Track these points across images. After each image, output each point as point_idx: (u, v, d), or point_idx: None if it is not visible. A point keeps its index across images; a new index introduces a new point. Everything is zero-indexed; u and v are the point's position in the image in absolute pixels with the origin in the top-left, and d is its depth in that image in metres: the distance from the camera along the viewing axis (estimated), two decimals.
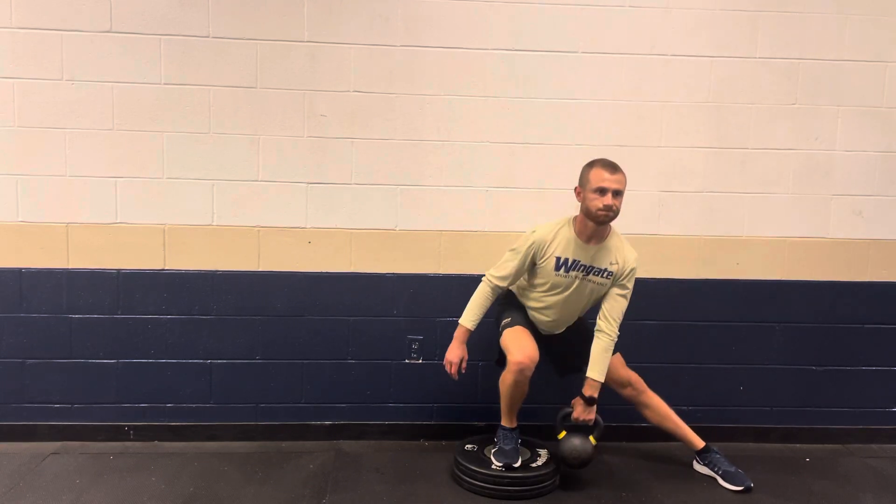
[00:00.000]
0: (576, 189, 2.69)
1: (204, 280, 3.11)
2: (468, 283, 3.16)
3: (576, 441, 2.75)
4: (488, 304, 2.80)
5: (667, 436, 3.26)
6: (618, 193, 2.57)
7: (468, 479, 2.75)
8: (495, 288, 2.78)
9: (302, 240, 3.11)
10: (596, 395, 2.73)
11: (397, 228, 3.12)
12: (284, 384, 3.17)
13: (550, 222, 2.74)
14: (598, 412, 2.77)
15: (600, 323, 2.73)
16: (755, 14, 3.10)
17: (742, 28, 3.11)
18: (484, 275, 2.81)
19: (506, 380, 2.76)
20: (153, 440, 3.15)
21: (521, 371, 2.69)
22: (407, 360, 3.21)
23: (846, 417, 3.32)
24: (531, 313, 2.87)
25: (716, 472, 2.89)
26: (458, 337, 2.79)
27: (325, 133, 3.07)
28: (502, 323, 2.85)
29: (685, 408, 3.28)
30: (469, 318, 2.78)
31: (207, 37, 3.00)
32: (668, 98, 3.12)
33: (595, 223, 2.62)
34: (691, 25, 3.10)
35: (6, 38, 2.94)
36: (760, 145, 3.17)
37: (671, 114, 3.13)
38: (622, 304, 2.73)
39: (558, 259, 2.69)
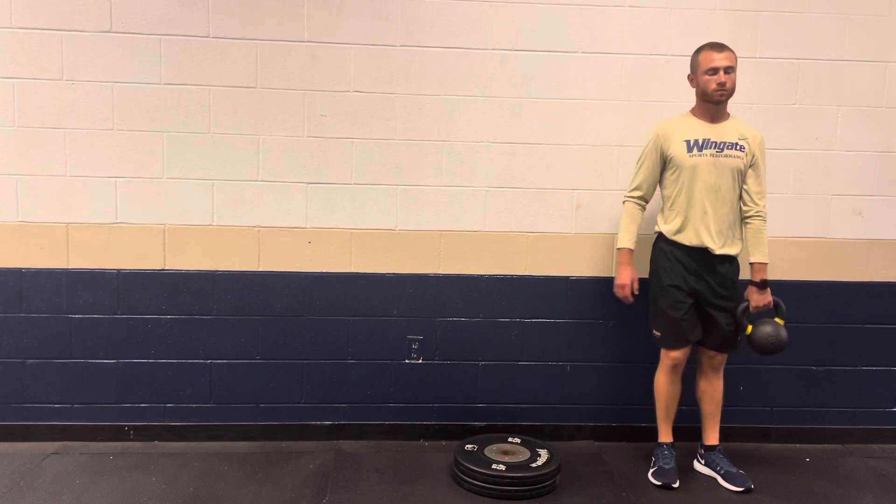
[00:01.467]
0: (689, 77, 2.79)
1: (204, 280, 3.10)
2: (468, 283, 3.16)
3: (768, 328, 2.76)
4: (638, 219, 2.85)
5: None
6: (729, 69, 2.66)
7: (468, 479, 2.75)
8: (636, 201, 2.84)
9: (302, 240, 3.11)
10: (767, 278, 2.78)
11: (397, 228, 3.12)
12: (284, 384, 3.17)
13: (668, 118, 2.82)
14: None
15: (746, 208, 2.77)
16: (755, 14, 3.10)
17: (742, 28, 3.11)
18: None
19: (659, 380, 2.87)
20: (153, 440, 3.15)
21: (674, 367, 2.79)
22: (407, 360, 3.21)
23: (846, 417, 3.32)
24: (683, 239, 2.76)
25: (717, 472, 2.89)
26: (623, 260, 2.84)
27: (325, 133, 3.06)
28: (651, 308, 2.90)
29: (685, 408, 3.27)
30: (625, 238, 2.84)
31: (207, 37, 3.00)
32: (668, 98, 3.11)
33: (713, 104, 2.70)
34: (691, 25, 3.10)
35: (6, 38, 2.94)
36: None
37: (671, 114, 3.12)
38: (761, 178, 2.76)
39: (688, 141, 2.71)
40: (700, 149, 2.70)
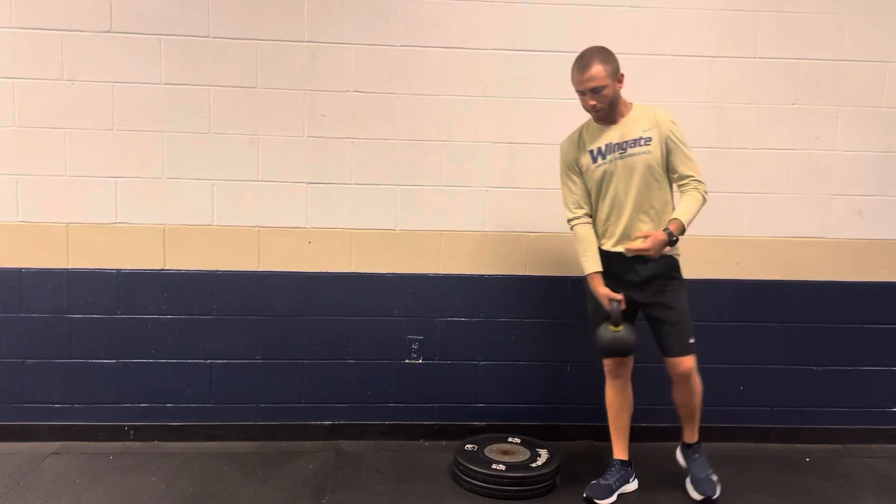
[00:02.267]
0: None
1: (204, 280, 3.10)
2: (468, 283, 3.16)
3: (600, 330, 2.63)
4: (592, 237, 2.64)
5: (667, 435, 3.26)
6: (596, 90, 2.45)
7: (468, 479, 2.75)
8: (577, 221, 2.65)
9: (302, 240, 3.11)
10: (675, 232, 2.49)
11: (397, 228, 3.12)
12: (284, 384, 3.17)
13: (569, 135, 2.69)
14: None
15: (681, 185, 2.57)
16: (755, 14, 3.10)
17: (742, 28, 3.11)
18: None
19: (606, 392, 2.77)
20: (153, 440, 3.15)
21: (611, 376, 2.72)
22: (407, 360, 3.21)
23: (846, 417, 3.32)
24: (605, 246, 2.64)
25: (688, 468, 2.81)
26: (595, 284, 2.61)
27: (325, 133, 3.06)
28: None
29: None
30: (589, 263, 2.62)
31: (207, 37, 3.00)
32: (668, 98, 3.11)
33: (595, 120, 2.59)
34: (691, 25, 3.10)
35: (6, 38, 2.94)
36: (760, 145, 3.17)
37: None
38: (687, 153, 2.56)
39: (592, 151, 2.59)
40: (604, 156, 2.56)
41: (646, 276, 2.60)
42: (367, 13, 3.03)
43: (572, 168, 2.64)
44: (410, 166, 3.10)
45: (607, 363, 2.74)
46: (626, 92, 3.11)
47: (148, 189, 3.05)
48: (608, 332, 2.60)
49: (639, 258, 2.55)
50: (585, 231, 2.64)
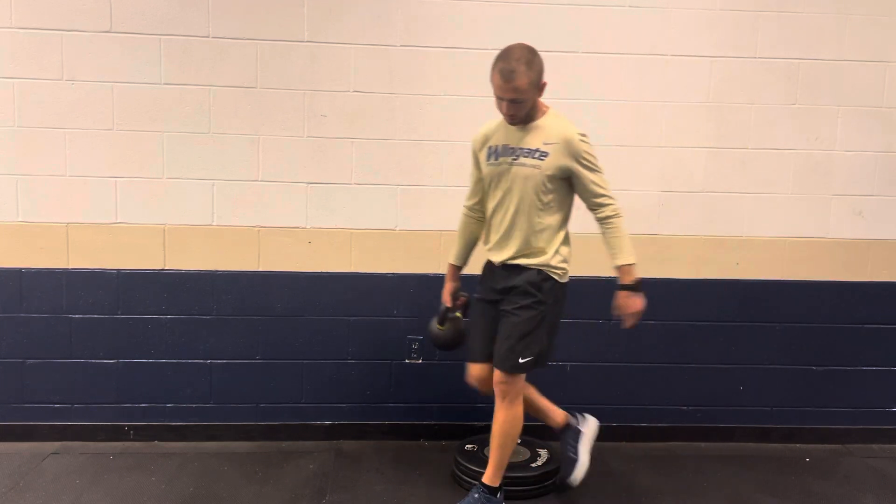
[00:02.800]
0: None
1: (204, 280, 3.10)
2: (468, 284, 3.15)
3: (429, 326, 2.74)
4: (467, 233, 2.63)
5: (667, 435, 3.26)
6: (515, 102, 2.32)
7: (468, 479, 2.75)
8: (467, 210, 2.62)
9: (302, 240, 3.11)
10: (635, 282, 2.41)
11: (397, 228, 3.12)
12: (284, 384, 3.17)
13: (486, 123, 2.55)
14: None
15: (596, 212, 2.44)
16: (755, 14, 3.10)
17: (742, 28, 3.11)
18: None
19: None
20: (153, 440, 3.15)
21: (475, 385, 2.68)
22: (407, 360, 3.21)
23: (846, 417, 3.32)
24: (487, 246, 2.57)
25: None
26: (447, 276, 2.68)
27: (325, 133, 3.06)
28: None
29: (685, 408, 3.28)
30: (452, 253, 2.66)
31: (207, 37, 3.00)
32: (668, 98, 3.12)
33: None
34: (691, 25, 3.10)
35: (6, 38, 2.94)
36: (760, 145, 3.17)
37: (671, 114, 3.13)
38: (598, 177, 2.40)
39: (490, 148, 2.46)
40: (497, 157, 2.44)
41: (508, 285, 2.47)
42: (367, 13, 3.03)
43: (475, 157, 2.56)
44: (410, 166, 3.10)
45: (471, 369, 2.66)
46: (628, 92, 3.12)
47: (148, 189, 3.05)
48: (433, 328, 2.73)
49: (507, 270, 2.46)
50: (464, 222, 2.65)
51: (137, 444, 3.13)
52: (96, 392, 3.12)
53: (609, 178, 3.12)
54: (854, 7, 3.11)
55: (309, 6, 3.01)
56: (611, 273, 3.17)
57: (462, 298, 2.73)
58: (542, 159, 2.38)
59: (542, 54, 3.07)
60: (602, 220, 2.44)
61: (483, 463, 2.76)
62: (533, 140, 2.40)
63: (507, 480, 2.69)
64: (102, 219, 3.05)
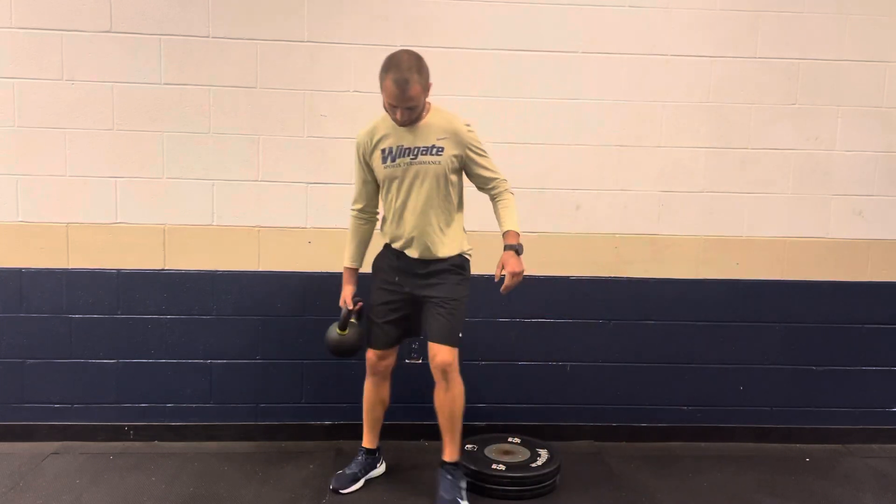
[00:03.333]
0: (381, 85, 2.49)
1: (204, 280, 3.10)
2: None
3: (328, 331, 2.70)
4: (359, 235, 2.69)
5: (667, 435, 3.26)
6: (410, 108, 2.42)
7: (468, 479, 2.74)
8: (356, 214, 2.67)
9: (302, 240, 3.11)
10: (519, 244, 2.55)
11: None
12: (284, 384, 3.17)
13: (366, 125, 2.61)
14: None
15: (488, 189, 2.62)
16: (755, 14, 3.10)
17: (742, 28, 3.11)
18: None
19: (365, 387, 2.78)
20: (153, 440, 3.15)
21: (371, 369, 2.74)
22: (407, 360, 3.20)
23: (846, 417, 3.32)
24: (392, 242, 2.64)
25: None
26: (344, 279, 2.71)
27: (325, 133, 3.06)
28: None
29: (685, 408, 3.28)
30: (348, 256, 2.70)
31: (207, 37, 3.00)
32: (668, 98, 3.12)
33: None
34: (691, 25, 3.10)
35: (6, 38, 2.94)
36: (760, 145, 3.17)
37: (671, 114, 3.13)
38: (487, 161, 2.59)
39: (383, 151, 2.54)
40: (394, 158, 2.52)
41: (426, 272, 2.61)
42: (367, 13, 3.03)
43: (363, 161, 2.61)
44: None
45: (368, 356, 2.75)
46: (627, 92, 3.12)
47: (148, 189, 3.05)
48: (334, 333, 2.69)
49: (425, 259, 2.59)
50: (355, 224, 2.69)
51: (137, 444, 3.13)
52: (96, 392, 3.12)
53: (609, 178, 3.16)
54: (854, 7, 3.11)
55: (309, 6, 3.01)
56: (611, 273, 3.19)
57: (360, 303, 2.72)
58: (440, 154, 2.52)
59: (541, 54, 3.10)
60: (496, 196, 2.62)
61: (484, 463, 2.76)
62: (426, 138, 2.52)
63: (507, 480, 2.70)
64: (102, 219, 3.05)
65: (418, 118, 2.51)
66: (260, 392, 3.18)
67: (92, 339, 3.10)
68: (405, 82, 2.37)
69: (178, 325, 3.12)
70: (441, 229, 2.59)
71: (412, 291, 2.64)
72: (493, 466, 2.74)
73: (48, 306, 3.07)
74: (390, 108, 2.46)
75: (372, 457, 2.84)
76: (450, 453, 2.64)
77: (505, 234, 2.58)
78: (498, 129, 3.10)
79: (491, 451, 2.89)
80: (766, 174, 3.18)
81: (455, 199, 2.62)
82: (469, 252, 2.70)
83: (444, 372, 2.59)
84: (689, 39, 3.10)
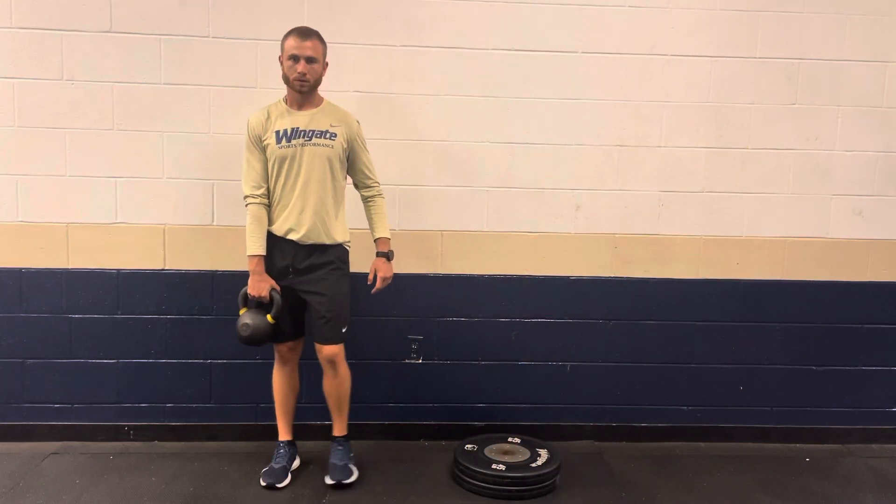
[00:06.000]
0: (279, 58, 2.65)
1: (204, 280, 3.10)
2: (468, 283, 3.16)
3: (245, 319, 2.64)
4: (263, 221, 2.66)
5: (667, 435, 3.26)
6: (311, 60, 2.55)
7: (468, 479, 2.75)
8: (254, 200, 2.65)
9: None
10: (390, 251, 2.79)
11: (398, 228, 3.12)
12: None
13: (259, 109, 2.69)
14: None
15: (365, 190, 2.78)
16: (755, 14, 3.10)
17: (742, 28, 3.11)
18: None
19: (275, 378, 2.85)
20: (153, 440, 3.15)
21: (281, 359, 2.81)
22: (407, 360, 3.21)
23: (846, 417, 3.32)
24: (282, 231, 2.67)
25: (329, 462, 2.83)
26: (255, 268, 2.66)
27: None
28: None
29: (685, 408, 3.28)
30: (257, 245, 2.65)
31: (207, 37, 3.00)
32: (668, 98, 3.12)
33: (297, 92, 2.61)
34: (691, 25, 3.10)
35: (6, 38, 2.94)
36: (760, 145, 3.17)
37: (671, 114, 3.13)
38: (370, 158, 2.76)
39: (277, 132, 2.62)
40: (289, 139, 2.61)
41: (309, 264, 2.68)
42: (367, 13, 3.03)
43: (257, 144, 2.66)
44: (410, 166, 3.10)
45: (280, 349, 2.80)
46: (627, 92, 3.12)
47: (148, 189, 3.05)
48: (265, 322, 2.65)
49: (304, 247, 2.66)
50: (260, 212, 2.67)
51: (137, 444, 3.13)
52: (96, 392, 3.13)
53: (609, 178, 3.16)
54: (854, 7, 3.11)
55: (309, 6, 3.01)
56: (611, 273, 3.19)
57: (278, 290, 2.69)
58: (333, 139, 2.65)
59: (541, 54, 3.10)
60: (369, 198, 2.79)
61: (484, 463, 2.77)
62: (320, 122, 2.65)
63: (507, 480, 2.70)
64: (102, 219, 3.05)
65: (313, 102, 2.65)
66: (260, 392, 3.17)
67: (92, 339, 3.10)
68: (306, 33, 2.58)
69: (178, 325, 3.12)
70: (332, 213, 2.68)
71: (292, 286, 2.71)
72: (493, 466, 2.74)
73: (48, 306, 3.07)
74: (290, 64, 2.57)
75: (293, 448, 2.90)
76: (339, 429, 2.86)
77: (379, 241, 2.79)
78: (498, 129, 3.11)
79: (491, 451, 2.89)
80: (766, 174, 3.18)
81: (341, 188, 2.73)
82: (349, 244, 2.79)
83: (332, 363, 2.74)
84: (689, 39, 3.10)
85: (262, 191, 2.67)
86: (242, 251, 3.08)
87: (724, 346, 3.26)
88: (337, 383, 2.79)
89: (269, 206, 2.70)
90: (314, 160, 2.62)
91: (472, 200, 3.14)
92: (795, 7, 3.10)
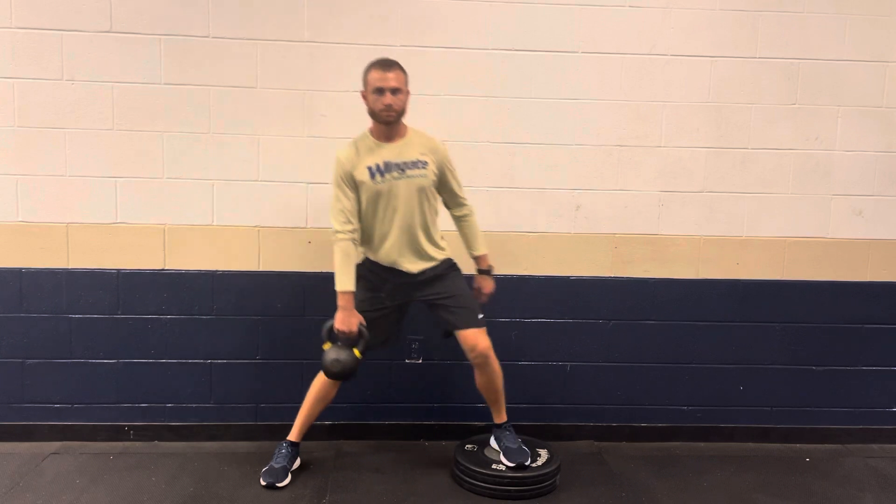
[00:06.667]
0: (362, 93, 2.66)
1: (204, 280, 3.11)
2: (468, 283, 3.16)
3: (332, 355, 2.67)
4: (353, 259, 2.66)
5: (667, 435, 3.27)
6: (396, 91, 2.57)
7: (468, 479, 2.75)
8: (344, 237, 2.63)
9: (302, 240, 3.11)
10: (491, 267, 2.86)
11: None
12: (284, 384, 3.17)
13: (347, 144, 2.69)
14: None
15: (457, 210, 2.81)
16: (755, 14, 3.10)
17: (742, 28, 3.11)
18: None
19: (318, 387, 2.82)
20: (153, 440, 3.15)
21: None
22: (407, 360, 3.21)
23: (846, 417, 3.32)
24: (380, 260, 2.71)
25: (500, 447, 2.83)
26: (346, 304, 2.64)
27: (325, 133, 3.06)
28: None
29: (685, 408, 3.28)
30: (344, 281, 2.63)
31: (207, 37, 3.00)
32: (668, 98, 3.12)
33: (383, 124, 2.62)
34: (691, 25, 3.10)
35: (6, 38, 2.94)
36: (760, 145, 3.17)
37: (671, 114, 3.13)
38: (459, 178, 2.78)
39: (370, 168, 2.61)
40: (382, 174, 2.61)
41: (428, 277, 2.73)
42: (367, 13, 3.03)
43: (348, 181, 2.64)
44: None
45: None
46: (627, 92, 3.12)
47: (148, 189, 3.05)
48: (353, 357, 2.68)
49: (423, 272, 2.72)
50: (350, 248, 2.65)
51: (137, 444, 3.13)
52: (96, 392, 3.13)
53: (609, 178, 3.16)
54: (854, 7, 3.11)
55: (309, 6, 3.01)
56: (611, 273, 3.19)
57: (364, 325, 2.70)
58: (424, 167, 2.65)
59: (541, 54, 3.10)
60: (463, 217, 2.82)
61: (484, 463, 2.77)
62: (410, 153, 2.65)
63: (507, 480, 2.70)
64: (102, 219, 3.05)
65: (398, 128, 2.65)
66: (260, 392, 3.18)
67: (92, 339, 3.10)
68: (389, 64, 2.59)
69: (178, 325, 3.12)
70: (431, 243, 2.73)
71: (407, 299, 2.77)
72: (493, 466, 2.74)
73: (48, 306, 3.07)
74: (375, 97, 2.58)
75: (296, 449, 2.89)
76: (499, 416, 2.86)
77: (480, 259, 2.84)
78: (498, 129, 3.11)
79: (491, 451, 2.89)
80: (766, 174, 3.18)
81: (435, 209, 2.76)
82: (449, 255, 2.82)
83: (486, 357, 2.71)
84: (689, 39, 3.10)
85: (351, 227, 2.65)
86: (242, 251, 3.10)
87: (724, 346, 3.26)
88: (493, 378, 2.77)
89: (360, 240, 2.71)
90: (410, 191, 2.63)
91: (472, 200, 3.13)
92: (795, 7, 3.10)
